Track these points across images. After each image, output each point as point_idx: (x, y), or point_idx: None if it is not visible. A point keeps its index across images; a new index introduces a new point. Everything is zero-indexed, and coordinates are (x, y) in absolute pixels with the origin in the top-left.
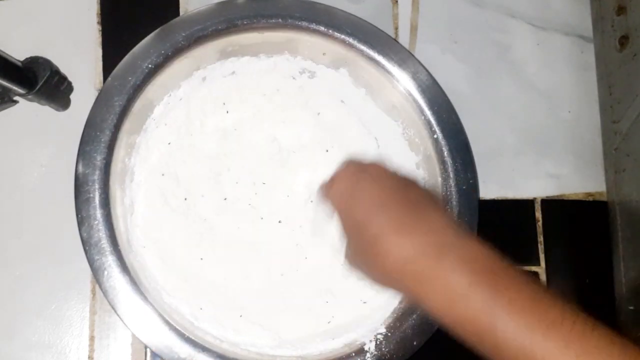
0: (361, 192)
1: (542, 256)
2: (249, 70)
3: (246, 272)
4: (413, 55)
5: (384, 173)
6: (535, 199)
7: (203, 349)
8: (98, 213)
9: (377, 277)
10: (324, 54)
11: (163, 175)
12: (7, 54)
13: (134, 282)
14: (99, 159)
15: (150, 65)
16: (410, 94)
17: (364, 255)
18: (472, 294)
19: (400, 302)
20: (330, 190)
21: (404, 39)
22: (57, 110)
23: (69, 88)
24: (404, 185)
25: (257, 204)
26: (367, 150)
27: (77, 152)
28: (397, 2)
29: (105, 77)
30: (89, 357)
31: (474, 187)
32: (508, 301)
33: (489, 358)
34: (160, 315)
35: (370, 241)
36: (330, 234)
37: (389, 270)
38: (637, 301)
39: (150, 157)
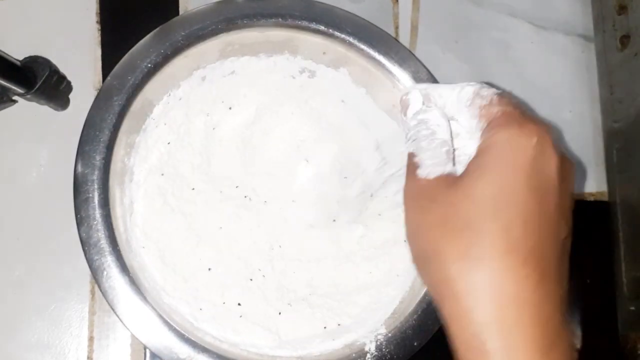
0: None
1: None
2: (248, 70)
3: (247, 273)
4: (413, 55)
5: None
6: None
7: (203, 349)
8: (97, 213)
9: (440, 291)
10: (324, 53)
11: (163, 175)
12: (5, 53)
13: (134, 283)
14: (98, 159)
15: (149, 65)
16: None
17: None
18: None
19: (401, 303)
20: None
21: (404, 39)
22: (56, 109)
23: (68, 87)
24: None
25: (258, 204)
26: (367, 149)
27: (76, 152)
28: (397, 1)
29: (104, 77)
30: (88, 358)
31: None
32: None
33: None
34: (160, 316)
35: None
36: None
37: (474, 314)
38: (638, 302)
39: (150, 156)
